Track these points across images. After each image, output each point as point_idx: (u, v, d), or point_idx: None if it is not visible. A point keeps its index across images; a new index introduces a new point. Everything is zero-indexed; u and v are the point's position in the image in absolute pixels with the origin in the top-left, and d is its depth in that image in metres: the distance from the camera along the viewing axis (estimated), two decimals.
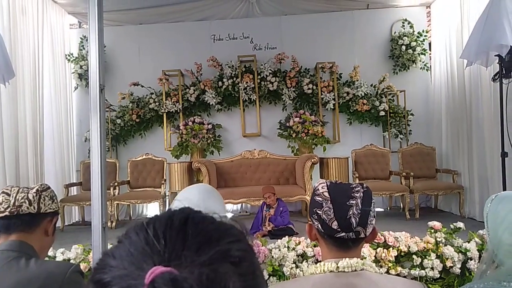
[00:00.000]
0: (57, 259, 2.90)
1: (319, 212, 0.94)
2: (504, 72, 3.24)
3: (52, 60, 5.19)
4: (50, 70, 5.13)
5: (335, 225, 0.92)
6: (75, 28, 6.00)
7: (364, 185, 0.99)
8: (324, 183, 0.99)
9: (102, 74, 2.71)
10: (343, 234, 0.92)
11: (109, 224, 4.44)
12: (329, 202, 0.94)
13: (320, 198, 0.95)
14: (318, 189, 0.98)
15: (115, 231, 4.51)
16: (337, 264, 0.92)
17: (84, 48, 5.70)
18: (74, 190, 5.21)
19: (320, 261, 0.98)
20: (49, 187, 1.27)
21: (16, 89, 4.24)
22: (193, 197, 1.11)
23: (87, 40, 5.60)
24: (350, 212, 0.92)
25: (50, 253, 2.91)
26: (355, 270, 0.91)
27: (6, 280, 1.02)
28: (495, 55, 3.25)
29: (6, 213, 1.16)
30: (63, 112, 5.32)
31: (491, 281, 0.92)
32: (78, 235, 3.97)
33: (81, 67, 5.62)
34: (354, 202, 0.93)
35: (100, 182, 2.63)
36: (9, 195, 1.18)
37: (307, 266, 2.80)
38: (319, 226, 0.95)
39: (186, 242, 0.34)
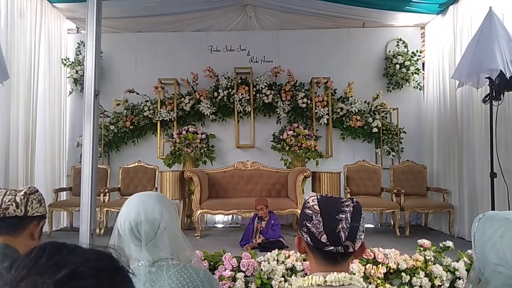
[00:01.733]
0: None
1: (308, 225, 0.94)
2: (494, 94, 3.30)
3: (48, 64, 5.17)
4: (46, 74, 5.11)
5: (324, 238, 0.92)
6: (72, 33, 6.01)
7: (354, 199, 0.99)
8: (314, 196, 1.00)
9: (98, 80, 2.71)
10: (331, 247, 0.92)
11: (97, 230, 4.38)
12: (319, 215, 0.94)
13: (310, 211, 0.96)
14: (308, 202, 0.98)
15: (104, 238, 4.44)
16: (325, 278, 0.92)
17: (80, 53, 5.70)
18: (63, 195, 5.15)
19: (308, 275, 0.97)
20: (37, 190, 1.26)
21: (10, 91, 4.22)
22: (133, 201, 1.17)
23: (84, 45, 5.59)
24: (340, 226, 0.92)
25: None
26: (343, 285, 0.91)
27: None
28: (486, 77, 3.32)
29: None
30: (56, 116, 5.29)
31: None
32: (66, 241, 3.88)
33: (76, 72, 5.61)
34: (343, 216, 0.93)
35: (90, 188, 2.61)
36: None
37: (294, 281, 2.78)
38: (308, 239, 0.95)
39: (32, 269, 0.39)
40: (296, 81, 5.64)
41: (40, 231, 1.25)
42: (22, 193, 1.19)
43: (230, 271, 2.82)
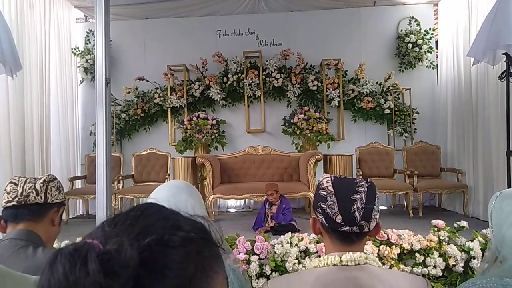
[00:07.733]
0: None
1: (323, 206, 0.95)
2: (511, 71, 3.21)
3: (58, 54, 5.21)
4: (57, 64, 5.15)
5: (339, 219, 0.92)
6: (81, 22, 6.02)
7: (369, 180, 0.99)
8: (328, 177, 1.00)
9: (108, 68, 2.73)
10: (347, 228, 0.92)
11: None
12: (334, 196, 0.94)
13: (324, 192, 0.96)
14: (322, 183, 0.99)
15: None
16: (340, 257, 0.93)
17: (89, 42, 5.72)
18: (78, 183, 5.25)
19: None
20: (55, 178, 1.29)
21: (23, 82, 4.27)
22: (162, 193, 1.13)
23: (93, 34, 5.61)
24: (354, 207, 0.92)
25: (55, 245, 2.93)
26: (359, 264, 0.92)
27: (14, 268, 1.03)
28: (503, 54, 3.23)
29: (14, 202, 1.17)
30: (68, 105, 5.35)
31: (493, 277, 0.92)
32: (83, 228, 3.99)
33: (86, 61, 5.65)
34: (358, 196, 0.93)
35: (105, 176, 2.66)
36: (16, 185, 1.20)
37: (310, 262, 2.81)
38: (323, 219, 0.96)
39: (127, 229, 0.39)
40: (306, 63, 5.58)
41: (60, 218, 1.29)
42: (41, 181, 1.22)
43: (245, 254, 2.87)
